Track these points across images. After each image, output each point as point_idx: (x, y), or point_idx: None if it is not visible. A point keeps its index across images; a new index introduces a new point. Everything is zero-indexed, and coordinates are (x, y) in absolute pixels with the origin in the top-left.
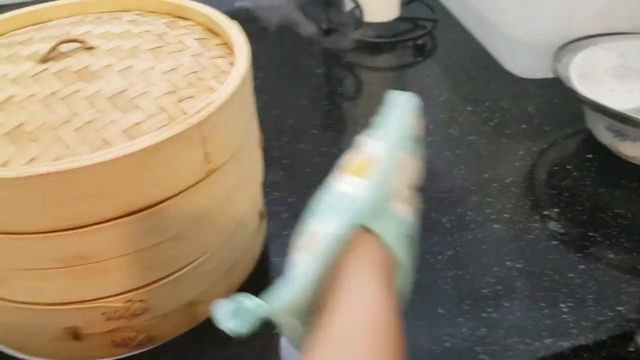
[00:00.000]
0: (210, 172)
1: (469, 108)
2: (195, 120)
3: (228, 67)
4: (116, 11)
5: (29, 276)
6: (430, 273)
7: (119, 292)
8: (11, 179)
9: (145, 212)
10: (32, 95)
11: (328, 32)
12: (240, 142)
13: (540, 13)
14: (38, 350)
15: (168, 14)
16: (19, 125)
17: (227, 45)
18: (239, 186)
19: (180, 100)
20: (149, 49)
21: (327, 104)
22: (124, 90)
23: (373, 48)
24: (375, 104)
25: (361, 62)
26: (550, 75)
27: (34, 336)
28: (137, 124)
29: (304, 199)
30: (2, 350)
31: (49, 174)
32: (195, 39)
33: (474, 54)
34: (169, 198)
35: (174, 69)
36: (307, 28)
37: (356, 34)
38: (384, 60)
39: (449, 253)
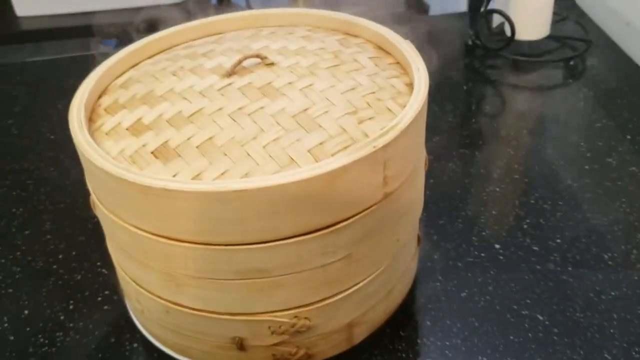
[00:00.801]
0: (386, 195)
1: (628, 136)
2: (380, 143)
3: (404, 88)
4: (285, 25)
5: (206, 285)
6: (594, 314)
7: (287, 307)
8: (206, 192)
9: (322, 232)
10: (220, 109)
11: (473, 47)
12: (414, 165)
13: None
14: (201, 357)
15: (336, 29)
16: (210, 138)
17: (400, 65)
18: (408, 209)
19: (360, 122)
20: (327, 67)
21: (474, 122)
22: (306, 109)
23: (520, 66)
24: (521, 124)
25: (507, 80)
26: None
27: (200, 343)
28: (321, 143)
29: (453, 221)
30: (168, 353)
31: (242, 190)
32: (369, 58)
33: (633, 79)
34: (345, 219)
35: (352, 88)
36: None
37: (503, 51)
38: (531, 79)
39: (613, 293)
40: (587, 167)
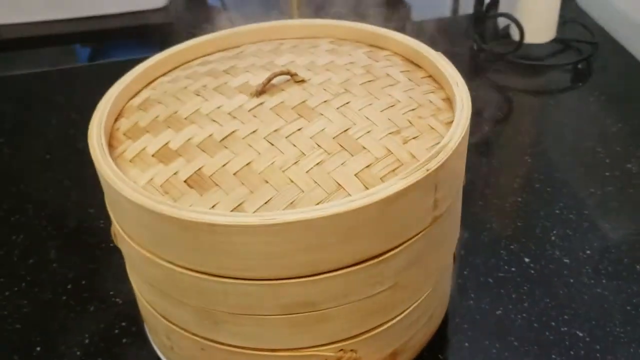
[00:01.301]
0: (435, 219)
1: None
2: (433, 165)
3: (442, 104)
4: (306, 37)
5: (247, 321)
6: (635, 328)
7: (332, 341)
8: (252, 225)
9: (371, 262)
10: (254, 131)
11: (479, 50)
12: (460, 185)
13: None
14: None
15: (360, 41)
16: (247, 164)
17: (433, 79)
18: (452, 231)
19: (405, 142)
20: (361, 84)
21: (487, 129)
22: (346, 130)
23: (527, 70)
24: (534, 130)
25: (515, 85)
26: None
27: None
28: (368, 167)
29: (479, 234)
30: None
31: (292, 223)
32: (400, 72)
33: None
34: (394, 248)
35: (391, 106)
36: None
37: (509, 55)
38: (540, 84)
39: None
40: (607, 173)
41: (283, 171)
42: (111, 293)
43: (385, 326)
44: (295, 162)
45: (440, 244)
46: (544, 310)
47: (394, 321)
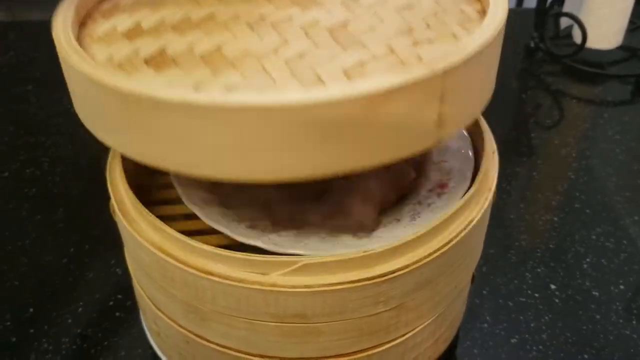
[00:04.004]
0: (438, 141)
1: None
2: (439, 67)
3: (475, 15)
4: None
5: (235, 322)
6: None
7: (324, 355)
8: (198, 105)
9: (376, 280)
10: (236, 16)
11: (535, 49)
12: (475, 110)
13: None
14: None
15: None
16: (218, 47)
17: None
18: (472, 251)
19: (415, 44)
20: None
21: (532, 136)
22: (346, 23)
23: (585, 77)
24: (583, 144)
25: (570, 91)
26: None
27: None
28: (361, 64)
29: (506, 251)
30: None
31: (248, 108)
32: None
33: None
34: (402, 268)
35: (409, 6)
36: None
37: (567, 58)
38: (597, 93)
39: None
40: None
41: (257, 58)
42: (112, 262)
43: (384, 347)
44: (274, 51)
45: (456, 265)
46: (563, 345)
47: (394, 342)
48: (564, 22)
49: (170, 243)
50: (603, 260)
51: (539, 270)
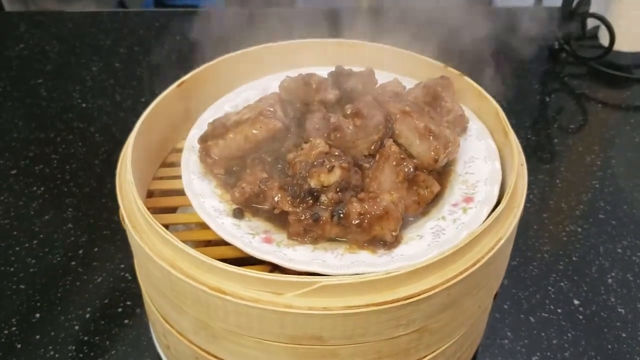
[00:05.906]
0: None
1: None
2: None
3: None
4: None
5: (247, 342)
6: None
7: None
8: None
9: (399, 303)
10: None
11: (559, 50)
12: None
13: None
14: None
15: None
16: None
17: None
18: (497, 272)
19: None
20: None
21: (556, 142)
22: None
23: (609, 79)
24: (609, 152)
25: (595, 95)
26: None
27: None
28: None
29: (528, 263)
30: None
31: None
32: None
33: None
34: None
35: None
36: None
37: (593, 61)
38: (623, 98)
39: None
40: None
41: None
42: (122, 266)
43: None
44: None
45: (484, 283)
46: None
47: None
48: (590, 22)
49: (181, 258)
50: (629, 275)
51: (562, 284)
